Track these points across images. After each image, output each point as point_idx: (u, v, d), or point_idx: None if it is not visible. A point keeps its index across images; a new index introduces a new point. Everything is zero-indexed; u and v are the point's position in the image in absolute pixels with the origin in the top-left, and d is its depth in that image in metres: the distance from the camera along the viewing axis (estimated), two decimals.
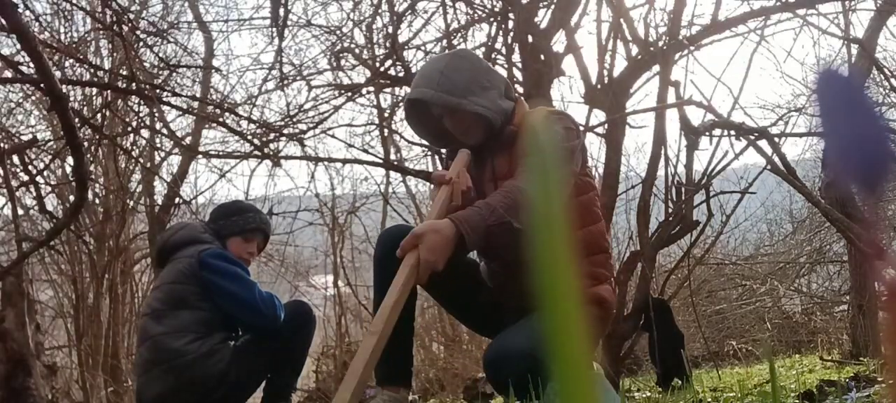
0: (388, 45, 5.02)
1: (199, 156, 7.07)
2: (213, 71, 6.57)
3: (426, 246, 2.13)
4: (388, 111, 6.43)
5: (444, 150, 2.68)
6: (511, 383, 2.15)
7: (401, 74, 4.92)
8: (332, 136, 5.39)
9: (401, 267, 2.16)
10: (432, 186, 2.73)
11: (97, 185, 7.36)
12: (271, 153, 5.34)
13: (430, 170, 5.75)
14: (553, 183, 0.30)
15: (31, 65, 2.83)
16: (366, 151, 5.40)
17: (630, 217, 5.29)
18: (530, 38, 4.22)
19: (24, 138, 5.54)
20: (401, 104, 6.20)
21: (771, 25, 4.49)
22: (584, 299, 0.30)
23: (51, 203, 6.75)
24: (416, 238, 2.15)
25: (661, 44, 4.20)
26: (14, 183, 3.63)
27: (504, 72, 4.44)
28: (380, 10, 5.26)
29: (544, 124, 0.33)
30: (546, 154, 0.31)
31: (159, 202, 8.21)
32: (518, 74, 4.35)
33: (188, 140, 7.63)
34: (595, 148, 5.38)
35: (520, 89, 4.34)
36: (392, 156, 6.68)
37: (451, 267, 2.49)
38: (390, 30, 4.97)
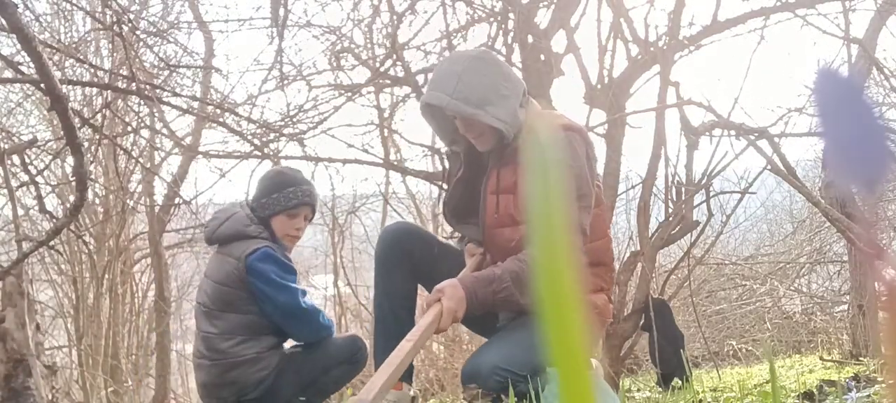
0: (388, 45, 5.02)
1: (199, 156, 7.06)
2: (213, 71, 6.57)
3: (448, 297, 2.23)
4: (388, 111, 6.43)
5: (450, 148, 2.65)
6: (506, 392, 2.19)
7: (401, 74, 4.92)
8: (332, 136, 5.38)
9: (425, 316, 2.24)
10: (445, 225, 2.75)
11: (97, 185, 7.36)
12: (271, 153, 5.33)
13: (430, 170, 5.75)
14: (554, 185, 0.30)
15: (31, 65, 2.83)
16: (366, 151, 5.39)
17: (630, 217, 5.30)
18: (530, 38, 4.22)
19: (24, 138, 5.54)
20: (401, 104, 6.21)
21: (771, 25, 4.49)
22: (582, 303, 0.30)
23: (51, 203, 6.75)
24: (439, 292, 2.25)
25: (661, 44, 4.20)
26: (14, 183, 3.63)
27: None
28: (380, 10, 5.26)
29: (551, 133, 0.32)
30: (548, 157, 0.31)
31: (159, 202, 8.21)
32: (518, 74, 4.35)
33: (188, 140, 7.63)
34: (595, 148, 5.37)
35: None
36: (392, 156, 6.68)
37: (448, 270, 2.51)
38: (390, 30, 4.96)
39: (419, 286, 2.70)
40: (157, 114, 6.27)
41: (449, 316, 2.22)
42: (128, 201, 7.93)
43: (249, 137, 5.28)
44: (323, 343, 3.07)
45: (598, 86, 4.16)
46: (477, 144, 2.45)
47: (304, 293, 2.98)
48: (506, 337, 2.37)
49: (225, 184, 10.29)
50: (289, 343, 3.08)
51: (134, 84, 3.86)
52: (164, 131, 6.84)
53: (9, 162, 3.58)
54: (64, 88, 2.73)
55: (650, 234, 4.03)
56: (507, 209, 2.41)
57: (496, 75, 2.35)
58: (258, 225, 2.99)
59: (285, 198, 3.01)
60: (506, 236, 2.39)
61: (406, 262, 2.59)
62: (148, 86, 4.41)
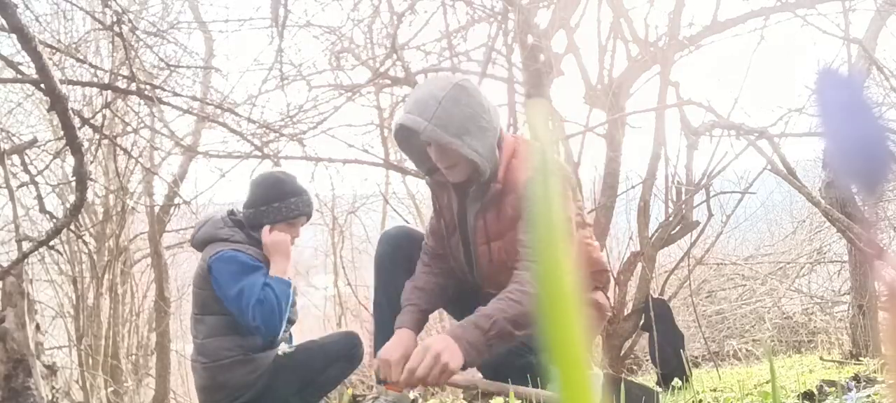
0: (388, 45, 5.02)
1: (199, 155, 7.06)
2: (213, 71, 6.57)
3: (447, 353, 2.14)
4: (388, 111, 6.44)
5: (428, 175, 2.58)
6: (513, 368, 2.20)
7: (401, 74, 4.93)
8: (332, 136, 5.39)
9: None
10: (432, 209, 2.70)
11: (97, 185, 7.36)
12: (271, 153, 5.34)
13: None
14: (553, 190, 0.30)
15: (31, 65, 2.83)
16: (366, 151, 5.40)
17: (630, 217, 5.30)
18: (530, 38, 4.22)
19: (24, 138, 5.54)
20: (401, 104, 6.20)
21: (771, 25, 4.49)
22: (582, 302, 0.30)
23: (51, 203, 6.74)
24: (431, 356, 2.13)
25: (661, 44, 4.20)
26: (14, 183, 3.63)
27: (504, 73, 4.44)
28: (380, 11, 5.27)
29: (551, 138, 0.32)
30: (547, 164, 0.31)
31: (159, 202, 8.21)
32: (518, 74, 4.35)
33: (188, 140, 7.63)
34: (595, 148, 5.37)
35: (520, 89, 4.33)
36: (392, 156, 6.68)
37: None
38: (390, 30, 4.97)
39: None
40: (157, 114, 6.27)
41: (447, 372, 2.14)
42: (128, 201, 7.93)
43: (249, 137, 5.28)
44: (319, 342, 3.07)
45: (598, 87, 4.16)
46: (448, 175, 2.37)
47: (266, 285, 2.87)
48: None
49: (225, 184, 10.28)
50: (283, 345, 3.07)
51: (134, 84, 3.87)
52: (164, 131, 6.85)
53: (9, 162, 3.58)
54: (64, 88, 2.73)
55: (650, 234, 4.03)
56: (500, 255, 2.36)
57: (477, 106, 2.28)
58: (232, 228, 2.98)
59: (287, 209, 3.00)
60: (503, 282, 2.32)
61: (406, 266, 2.58)
62: (148, 86, 4.41)
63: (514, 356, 2.21)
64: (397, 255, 2.62)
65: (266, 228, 3.00)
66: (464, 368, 2.26)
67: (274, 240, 2.97)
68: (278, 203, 3.00)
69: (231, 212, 3.07)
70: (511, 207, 2.32)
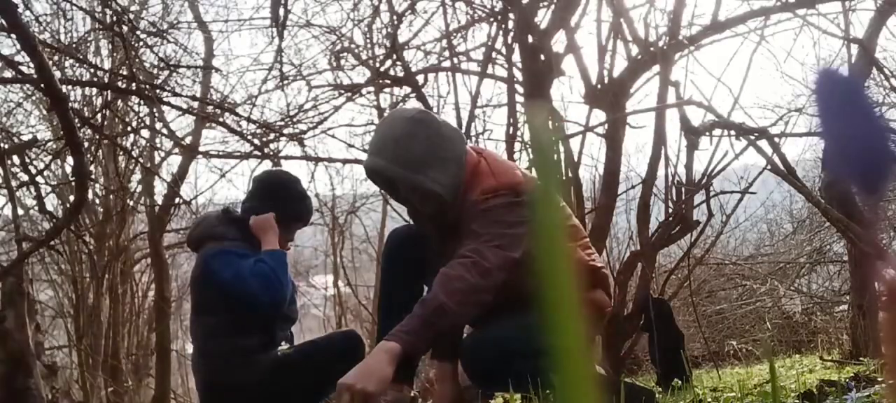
0: (388, 44, 5.03)
1: (199, 156, 7.06)
2: (213, 71, 6.57)
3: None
4: (387, 111, 6.43)
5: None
6: (504, 375, 2.20)
7: (401, 74, 4.93)
8: (332, 136, 5.39)
9: None
10: None
11: (97, 185, 7.36)
12: (271, 153, 5.34)
13: None
14: (554, 188, 0.30)
15: (31, 65, 2.83)
16: (366, 151, 5.40)
17: (630, 217, 5.30)
18: (530, 38, 4.21)
19: (24, 138, 5.54)
20: (401, 104, 6.21)
21: (771, 25, 4.49)
22: (582, 301, 0.30)
23: (51, 203, 6.75)
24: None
25: (661, 44, 4.20)
26: (14, 183, 3.63)
27: (504, 73, 4.44)
28: (380, 11, 5.27)
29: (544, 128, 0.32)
30: (547, 156, 0.31)
31: (159, 202, 8.21)
32: (518, 74, 4.35)
33: (188, 140, 7.63)
34: (595, 148, 5.37)
35: (520, 89, 4.33)
36: None
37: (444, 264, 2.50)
38: (390, 30, 4.97)
39: (425, 287, 2.68)
40: (157, 114, 6.28)
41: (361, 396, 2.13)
42: (128, 201, 7.93)
43: (249, 137, 5.29)
44: (319, 342, 3.06)
45: (598, 86, 4.16)
46: (420, 207, 2.40)
47: (258, 260, 2.86)
48: (503, 320, 2.35)
49: (225, 184, 10.28)
50: (283, 345, 3.05)
51: (134, 84, 3.87)
52: (164, 131, 6.85)
53: (9, 162, 3.58)
54: (64, 88, 2.73)
55: (650, 234, 4.03)
56: None
57: (435, 137, 2.28)
58: (227, 225, 2.96)
59: (284, 212, 2.99)
60: None
61: (415, 270, 2.57)
62: (148, 86, 4.42)
63: (508, 362, 2.20)
64: (404, 254, 2.60)
65: (252, 216, 2.97)
66: (412, 358, 2.27)
67: (258, 221, 2.95)
68: (276, 203, 2.99)
69: (226, 210, 3.05)
70: (463, 231, 2.30)
